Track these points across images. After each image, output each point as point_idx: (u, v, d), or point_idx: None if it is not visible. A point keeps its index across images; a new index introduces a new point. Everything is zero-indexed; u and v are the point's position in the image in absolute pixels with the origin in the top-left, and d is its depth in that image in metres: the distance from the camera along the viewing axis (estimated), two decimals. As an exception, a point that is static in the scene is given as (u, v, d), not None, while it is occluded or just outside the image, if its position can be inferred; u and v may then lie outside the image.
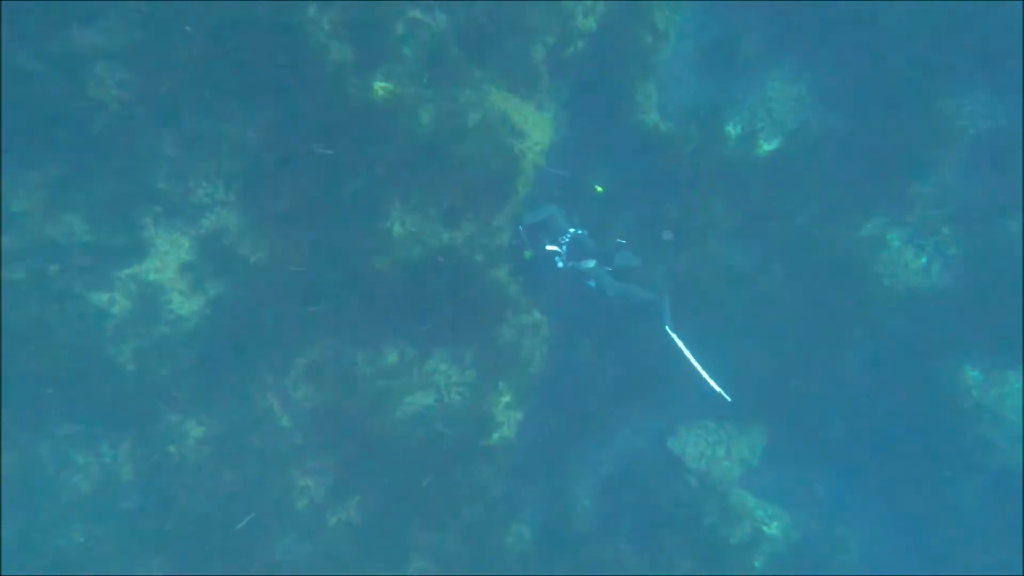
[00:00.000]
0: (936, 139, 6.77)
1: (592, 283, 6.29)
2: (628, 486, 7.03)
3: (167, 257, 5.24)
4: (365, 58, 5.29)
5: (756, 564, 6.86)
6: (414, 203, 5.82)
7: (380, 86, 5.41)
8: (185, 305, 5.30)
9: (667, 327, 6.12)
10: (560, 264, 6.30)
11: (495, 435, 6.53)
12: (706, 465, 7.07)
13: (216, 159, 5.15)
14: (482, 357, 6.43)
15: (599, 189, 6.94)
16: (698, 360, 6.03)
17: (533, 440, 7.03)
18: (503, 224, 6.30)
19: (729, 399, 5.98)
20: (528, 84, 6.30)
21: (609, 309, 6.67)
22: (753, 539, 6.71)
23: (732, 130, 7.33)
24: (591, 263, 6.28)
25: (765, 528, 6.77)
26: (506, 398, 6.59)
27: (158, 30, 4.68)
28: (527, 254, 6.30)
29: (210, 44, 4.81)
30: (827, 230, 6.91)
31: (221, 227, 5.32)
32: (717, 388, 5.97)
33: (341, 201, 5.47)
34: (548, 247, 6.23)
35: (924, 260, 6.84)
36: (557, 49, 6.28)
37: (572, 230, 6.36)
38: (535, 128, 6.17)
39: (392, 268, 5.69)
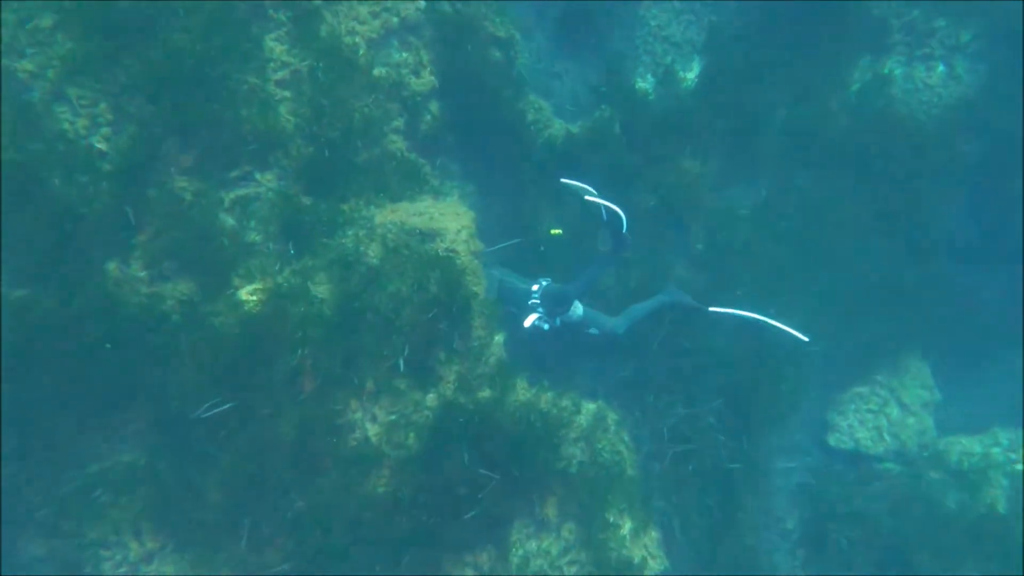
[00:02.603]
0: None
1: (594, 330, 5.47)
2: (829, 523, 5.34)
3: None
4: (210, 282, 4.15)
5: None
6: (378, 387, 4.51)
7: (248, 294, 4.22)
8: None
9: (707, 308, 5.51)
10: (547, 327, 5.32)
11: (647, 577, 4.92)
12: (891, 437, 5.45)
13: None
14: (564, 501, 4.91)
15: (557, 231, 5.78)
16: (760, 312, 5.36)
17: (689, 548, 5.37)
18: (486, 337, 5.00)
19: (807, 339, 5.20)
20: (409, 180, 5.23)
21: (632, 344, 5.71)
22: (1014, 488, 5.02)
23: (644, 83, 6.35)
24: (579, 309, 5.42)
25: (1018, 464, 5.09)
26: (626, 526, 5.02)
27: None
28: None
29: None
30: (820, 105, 5.75)
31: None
32: (793, 332, 5.25)
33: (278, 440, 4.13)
34: (525, 322, 5.27)
35: (941, 67, 5.66)
36: (412, 126, 5.27)
37: (537, 285, 5.41)
38: (447, 218, 5.03)
39: (393, 478, 4.30)
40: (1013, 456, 5.33)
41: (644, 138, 6.16)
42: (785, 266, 5.98)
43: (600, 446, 5.43)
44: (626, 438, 5.71)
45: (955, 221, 6.25)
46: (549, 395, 5.24)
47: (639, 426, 5.76)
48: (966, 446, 5.54)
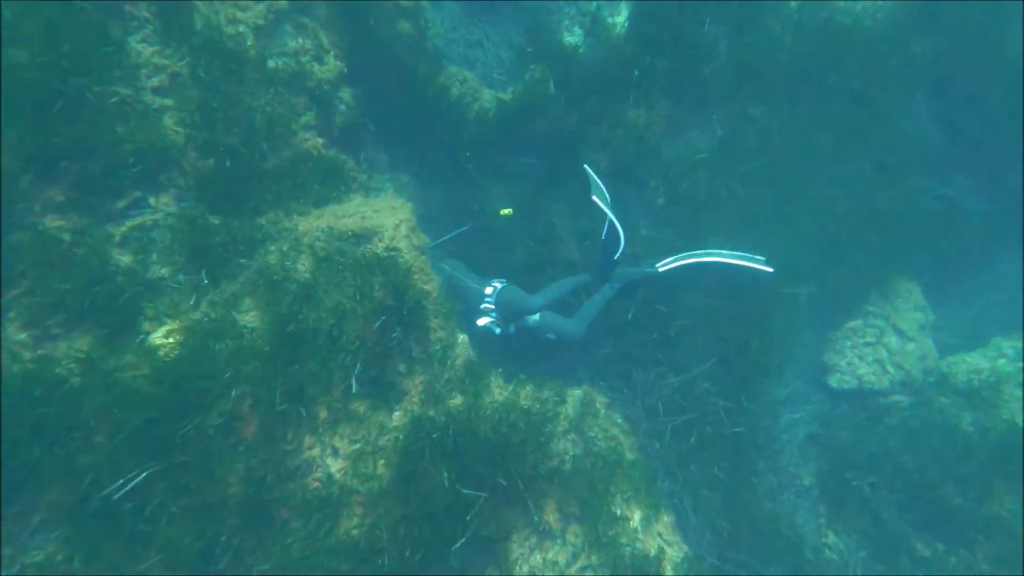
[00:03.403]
0: None
1: (551, 335, 5.23)
2: (846, 472, 5.02)
3: None
4: (112, 332, 3.58)
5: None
6: (333, 416, 4.01)
7: (162, 338, 3.65)
8: None
9: (657, 269, 5.32)
10: (498, 331, 5.07)
11: (668, 568, 4.52)
12: (894, 368, 5.17)
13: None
14: (564, 503, 4.49)
15: (507, 211, 5.35)
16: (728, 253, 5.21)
17: (705, 526, 5.00)
18: (448, 338, 4.54)
19: (770, 269, 5.07)
20: (331, 180, 4.71)
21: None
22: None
23: (572, 36, 5.90)
24: (535, 316, 5.17)
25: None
26: (635, 516, 4.62)
27: None
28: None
29: None
30: (763, 30, 5.40)
31: None
32: (757, 265, 5.10)
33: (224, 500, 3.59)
34: (478, 321, 5.01)
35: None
36: (325, 119, 4.73)
37: (491, 288, 5.11)
38: (381, 214, 4.54)
39: (368, 516, 3.81)
40: (1021, 365, 5.09)
41: (582, 95, 5.73)
42: (754, 208, 5.64)
43: (592, 434, 5.03)
44: (619, 420, 5.32)
45: (921, 130, 5.99)
46: (528, 389, 4.80)
47: (631, 405, 5.37)
48: (972, 363, 5.30)
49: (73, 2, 3.66)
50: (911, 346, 5.38)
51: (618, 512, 4.59)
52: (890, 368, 5.32)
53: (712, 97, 5.85)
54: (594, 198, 5.06)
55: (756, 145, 5.70)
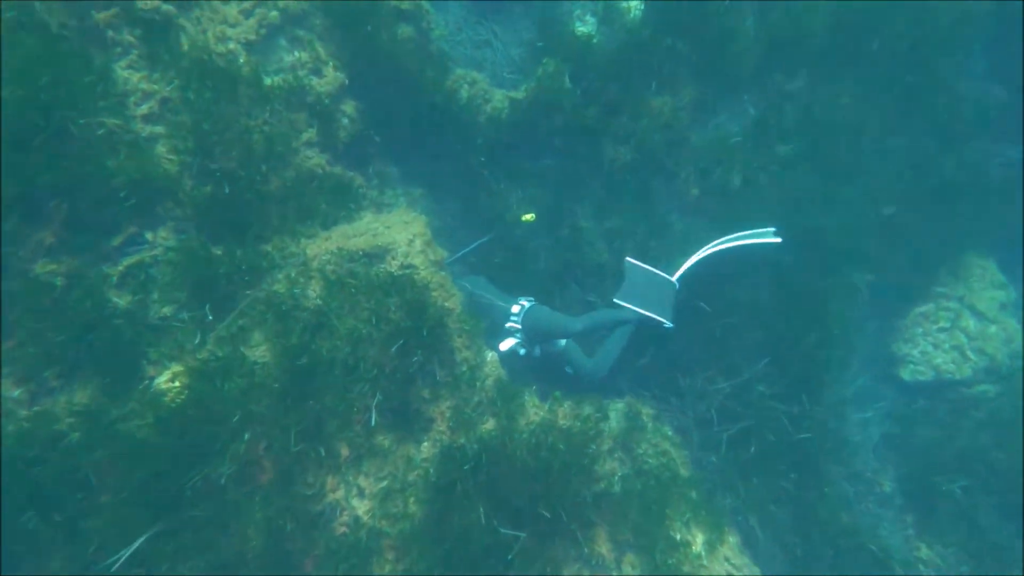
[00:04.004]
0: None
1: (569, 369, 4.88)
2: (933, 475, 4.48)
3: None
4: (114, 381, 3.35)
5: None
6: (355, 453, 3.72)
7: (167, 382, 3.40)
8: None
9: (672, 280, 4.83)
10: (522, 352, 4.71)
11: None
12: (975, 354, 4.62)
13: None
14: (616, 529, 4.10)
15: (529, 217, 5.02)
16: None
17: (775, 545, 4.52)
18: (475, 357, 4.21)
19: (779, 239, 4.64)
20: (339, 199, 4.44)
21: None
22: None
23: (585, 26, 5.55)
24: (562, 342, 4.84)
25: None
26: (698, 540, 4.20)
27: None
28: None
29: None
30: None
31: None
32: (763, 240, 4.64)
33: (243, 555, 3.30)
34: (501, 345, 4.63)
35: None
36: (328, 135, 4.48)
37: (518, 306, 4.75)
38: (394, 230, 4.25)
39: (400, 560, 3.48)
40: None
41: (600, 86, 5.36)
42: (798, 192, 5.17)
43: (641, 451, 4.62)
44: (669, 432, 4.88)
45: (980, 91, 5.44)
46: (566, 406, 4.41)
47: (679, 415, 4.94)
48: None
49: (52, 31, 3.47)
50: (993, 328, 4.83)
51: (677, 536, 4.17)
52: (971, 355, 4.78)
53: (741, 76, 5.43)
54: (618, 300, 4.73)
55: (795, 124, 5.24)
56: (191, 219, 3.81)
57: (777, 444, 4.57)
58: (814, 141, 5.15)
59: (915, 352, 4.96)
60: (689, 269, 4.84)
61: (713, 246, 4.83)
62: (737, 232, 4.80)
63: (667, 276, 4.71)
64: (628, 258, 4.78)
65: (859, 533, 4.39)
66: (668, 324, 4.67)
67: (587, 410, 4.51)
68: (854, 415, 5.00)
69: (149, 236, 3.71)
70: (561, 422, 4.27)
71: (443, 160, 5.21)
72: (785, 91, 5.33)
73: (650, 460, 4.55)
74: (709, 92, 5.47)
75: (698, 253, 4.83)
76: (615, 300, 4.77)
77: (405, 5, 4.84)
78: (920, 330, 4.97)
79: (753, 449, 4.57)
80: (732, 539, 4.33)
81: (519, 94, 5.33)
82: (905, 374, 5.01)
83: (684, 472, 4.53)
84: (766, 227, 4.72)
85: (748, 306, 5.01)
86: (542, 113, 5.27)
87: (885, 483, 4.73)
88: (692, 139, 5.35)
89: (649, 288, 4.73)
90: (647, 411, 4.92)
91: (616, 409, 4.84)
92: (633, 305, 4.69)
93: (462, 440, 3.88)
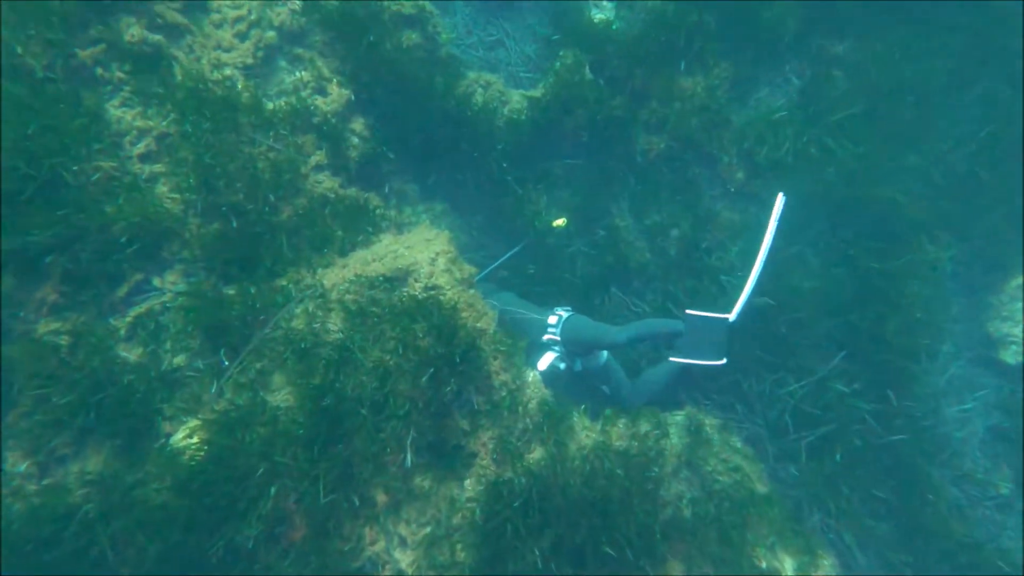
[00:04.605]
0: None
1: (606, 388, 4.49)
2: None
3: None
4: (127, 443, 3.11)
5: None
6: (393, 498, 3.38)
7: (184, 438, 3.14)
8: None
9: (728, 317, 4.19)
10: (563, 366, 4.30)
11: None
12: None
13: None
14: (692, 560, 3.66)
15: (561, 222, 4.66)
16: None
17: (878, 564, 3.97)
18: (515, 379, 3.85)
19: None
20: (356, 222, 4.16)
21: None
22: None
23: (600, 13, 5.19)
24: (603, 356, 4.44)
25: None
26: (786, 565, 3.72)
27: None
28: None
29: None
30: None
31: None
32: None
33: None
34: (539, 364, 4.23)
35: None
36: (337, 156, 4.23)
37: (555, 316, 4.31)
38: (415, 250, 3.93)
39: None
40: None
41: (624, 74, 4.96)
42: (856, 164, 4.63)
43: (710, 468, 4.13)
44: (738, 444, 4.39)
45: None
46: (620, 425, 3.99)
47: (748, 423, 4.44)
48: None
49: (38, 75, 3.28)
50: (1105, 294, 4.19)
51: (763, 564, 3.68)
52: (1086, 327, 4.15)
53: (780, 45, 4.94)
54: (674, 359, 4.25)
55: (847, 89, 4.72)
56: (200, 260, 3.57)
57: (865, 449, 4.03)
58: (871, 105, 4.61)
59: (1016, 331, 4.34)
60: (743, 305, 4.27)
61: (761, 257, 4.25)
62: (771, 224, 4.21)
63: (724, 316, 4.15)
64: (688, 310, 4.22)
65: (979, 545, 3.80)
66: (721, 363, 4.14)
67: (644, 427, 4.07)
68: (951, 408, 4.40)
69: (156, 282, 3.48)
70: (616, 443, 3.86)
71: (463, 171, 4.88)
72: (832, 55, 4.81)
73: (721, 478, 4.06)
74: (746, 66, 5.00)
75: (751, 276, 4.23)
76: (670, 359, 4.29)
77: (408, 9, 4.55)
78: (1020, 305, 4.35)
79: (839, 457, 4.03)
80: (827, 561, 3.80)
81: (537, 92, 4.98)
82: (1007, 356, 4.39)
83: (761, 488, 4.03)
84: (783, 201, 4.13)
85: (813, 295, 4.48)
86: (563, 109, 4.89)
87: (1001, 485, 4.12)
88: (732, 119, 4.88)
89: (705, 333, 4.18)
90: (711, 422, 4.43)
91: (676, 422, 4.38)
92: (690, 359, 4.17)
93: (509, 474, 3.51)
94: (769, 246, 4.10)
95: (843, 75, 4.75)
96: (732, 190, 4.97)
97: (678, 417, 4.42)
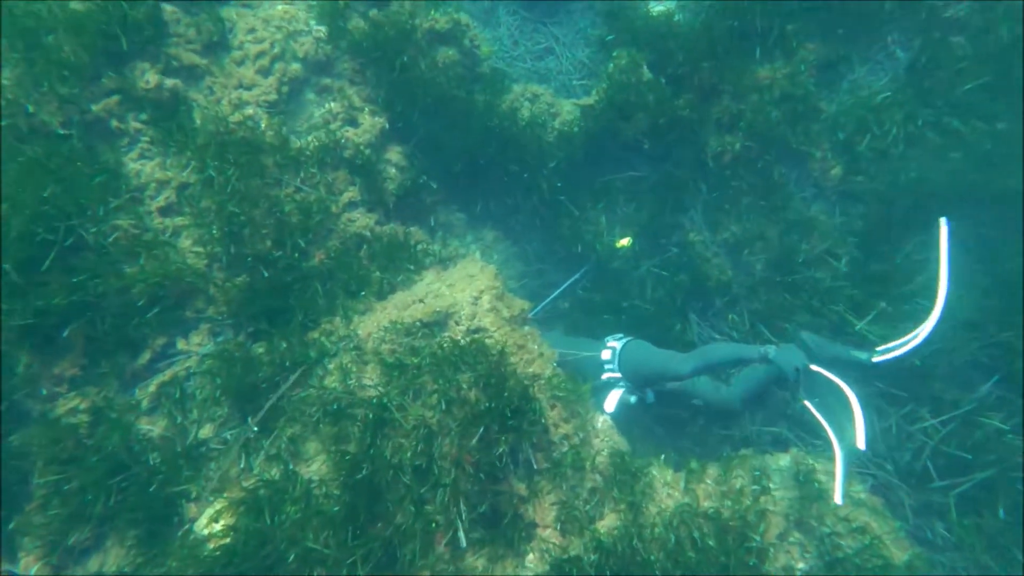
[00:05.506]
0: None
1: (698, 401, 4.03)
2: None
3: None
4: (150, 530, 2.84)
5: None
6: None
7: (210, 523, 2.81)
8: None
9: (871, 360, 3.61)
10: (634, 400, 3.84)
11: None
12: None
13: None
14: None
15: (625, 242, 4.09)
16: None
17: None
18: (578, 429, 3.29)
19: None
20: (395, 261, 3.78)
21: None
22: None
23: (658, 5, 4.61)
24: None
25: None
26: None
27: None
28: None
29: None
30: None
31: None
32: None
33: None
34: (605, 405, 3.76)
35: None
36: (372, 190, 3.88)
37: (608, 350, 3.84)
38: (455, 288, 3.48)
39: None
40: None
41: (689, 70, 4.34)
42: (986, 144, 3.76)
43: (828, 529, 3.37)
44: (863, 495, 3.58)
45: None
46: (709, 482, 3.33)
47: (874, 468, 3.62)
48: None
49: (56, 132, 3.11)
50: None
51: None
52: None
53: (878, 14, 4.15)
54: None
55: (969, 56, 3.87)
56: (226, 316, 3.28)
57: (1038, 500, 3.15)
58: (1003, 74, 3.74)
59: None
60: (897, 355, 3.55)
61: (940, 304, 3.47)
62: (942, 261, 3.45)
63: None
64: (813, 366, 3.54)
65: None
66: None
67: (738, 480, 3.38)
68: None
69: (181, 344, 3.22)
70: (704, 504, 3.20)
71: (514, 194, 4.42)
72: (946, 18, 3.97)
73: (844, 542, 3.30)
74: (836, 44, 4.24)
75: (925, 328, 3.46)
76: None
77: (442, 25, 4.17)
78: None
79: (1002, 511, 3.17)
80: (996, 654, 2.96)
81: (590, 99, 4.46)
82: None
83: (901, 555, 3.22)
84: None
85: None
86: (621, 115, 4.33)
87: None
88: (823, 107, 4.13)
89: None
90: (824, 467, 3.66)
91: (779, 469, 3.64)
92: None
93: (576, 549, 2.94)
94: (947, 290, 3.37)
95: (965, 42, 3.90)
96: (828, 189, 4.21)
97: (782, 461, 3.69)
